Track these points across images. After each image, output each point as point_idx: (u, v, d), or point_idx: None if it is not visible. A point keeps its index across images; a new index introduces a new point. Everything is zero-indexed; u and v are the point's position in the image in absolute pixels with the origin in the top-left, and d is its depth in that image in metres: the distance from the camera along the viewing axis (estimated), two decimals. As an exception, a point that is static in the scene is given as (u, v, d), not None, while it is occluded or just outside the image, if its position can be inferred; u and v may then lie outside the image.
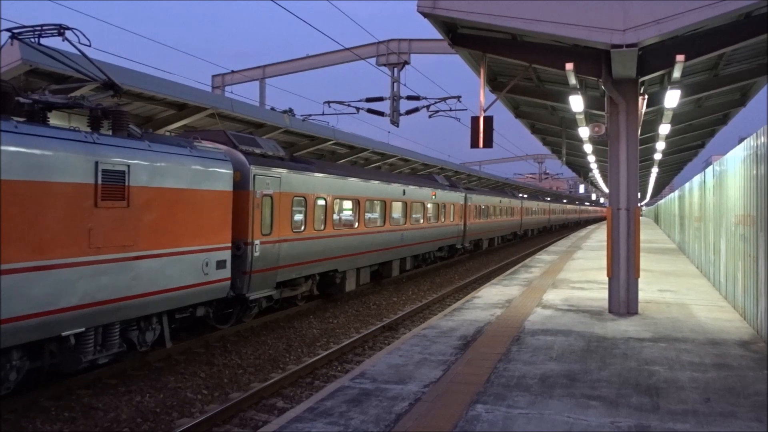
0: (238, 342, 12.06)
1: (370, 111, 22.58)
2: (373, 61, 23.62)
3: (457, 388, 6.73)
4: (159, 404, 8.56)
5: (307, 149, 21.61)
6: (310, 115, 21.70)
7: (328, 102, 23.06)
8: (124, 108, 9.96)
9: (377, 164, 28.10)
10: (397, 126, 22.53)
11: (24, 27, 8.88)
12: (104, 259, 8.56)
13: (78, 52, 9.26)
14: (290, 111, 19.10)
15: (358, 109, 22.74)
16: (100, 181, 8.48)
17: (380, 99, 22.37)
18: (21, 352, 7.81)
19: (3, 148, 7.22)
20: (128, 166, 8.98)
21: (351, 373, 7.38)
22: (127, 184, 8.96)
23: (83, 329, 8.36)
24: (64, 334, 8.07)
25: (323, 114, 22.72)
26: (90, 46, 8.95)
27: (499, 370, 7.47)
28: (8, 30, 8.87)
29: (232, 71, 27.12)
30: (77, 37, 8.71)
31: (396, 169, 31.02)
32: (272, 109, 19.29)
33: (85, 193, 8.28)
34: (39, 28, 8.76)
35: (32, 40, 9.00)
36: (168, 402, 8.67)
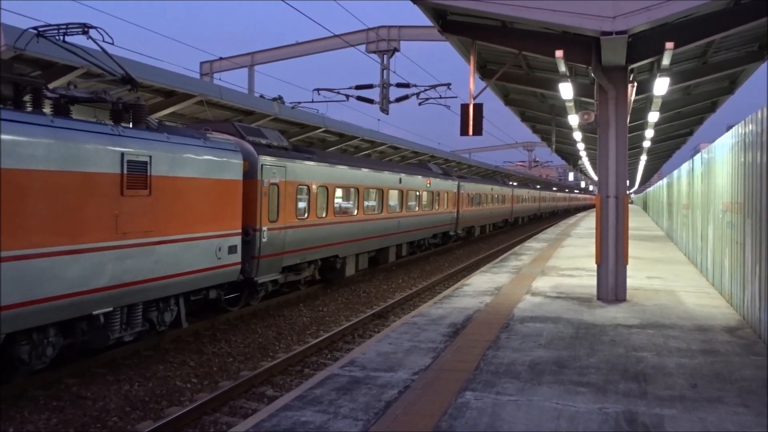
0: (228, 330, 12.04)
1: (359, 98, 22.47)
2: (362, 48, 23.50)
3: (447, 376, 6.75)
4: (148, 393, 8.54)
5: (297, 137, 21.49)
6: (299, 103, 21.57)
7: (318, 89, 22.93)
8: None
9: (367, 152, 28.00)
10: (387, 113, 22.46)
11: (49, 25, 9.32)
12: (129, 243, 9.18)
13: (99, 49, 9.75)
14: (280, 98, 18.97)
15: (347, 96, 22.64)
16: (125, 171, 9.07)
17: (370, 86, 22.27)
18: (56, 329, 8.38)
19: (41, 140, 7.76)
20: (150, 156, 9.54)
21: (340, 361, 7.39)
22: (149, 173, 9.53)
23: (111, 309, 8.95)
24: (94, 313, 8.68)
25: (313, 101, 22.60)
26: (113, 43, 9.43)
27: (489, 357, 7.50)
28: (34, 28, 9.37)
29: (221, 58, 26.91)
30: (101, 35, 9.19)
31: (386, 157, 30.94)
32: (261, 96, 19.15)
33: (113, 182, 8.88)
34: (64, 26, 9.23)
35: (57, 38, 9.38)
36: (157, 391, 8.64)
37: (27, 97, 8.33)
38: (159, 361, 9.91)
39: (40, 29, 9.29)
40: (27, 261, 7.58)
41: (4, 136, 7.31)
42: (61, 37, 9.32)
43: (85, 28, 9.09)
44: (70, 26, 9.14)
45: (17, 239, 7.47)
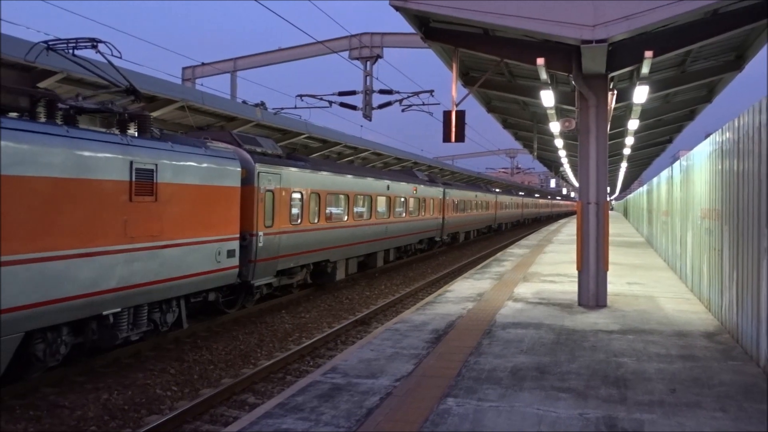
0: (209, 337, 11.95)
1: (342, 105, 22.49)
2: (345, 54, 23.50)
3: (429, 382, 6.75)
4: (127, 401, 8.43)
5: (280, 143, 21.42)
6: (282, 109, 21.51)
7: (301, 95, 22.89)
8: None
9: (350, 158, 28.00)
10: (370, 120, 22.48)
11: (59, 39, 9.64)
12: (137, 247, 9.64)
13: (105, 61, 10.13)
14: (262, 104, 18.91)
15: (330, 102, 22.63)
16: (133, 179, 9.53)
17: (353, 93, 22.28)
18: (69, 328, 8.77)
19: (57, 149, 8.16)
20: (156, 164, 10.01)
21: (322, 368, 7.36)
22: (155, 181, 9.98)
23: (119, 309, 9.37)
24: (104, 313, 9.10)
25: (296, 107, 22.55)
26: (120, 57, 9.81)
27: (470, 363, 7.51)
28: (44, 42, 9.68)
29: (203, 63, 26.77)
30: (110, 49, 9.58)
31: (369, 163, 30.96)
32: (244, 102, 19.07)
33: (123, 189, 9.34)
34: (74, 41, 9.59)
35: (67, 51, 9.70)
36: (136, 399, 8.54)
37: (41, 108, 8.60)
38: (139, 368, 9.80)
39: (50, 43, 9.64)
40: (46, 263, 8.03)
41: (26, 146, 7.72)
42: (71, 51, 9.66)
43: (93, 43, 9.48)
44: (79, 41, 9.54)
45: (37, 242, 7.89)
